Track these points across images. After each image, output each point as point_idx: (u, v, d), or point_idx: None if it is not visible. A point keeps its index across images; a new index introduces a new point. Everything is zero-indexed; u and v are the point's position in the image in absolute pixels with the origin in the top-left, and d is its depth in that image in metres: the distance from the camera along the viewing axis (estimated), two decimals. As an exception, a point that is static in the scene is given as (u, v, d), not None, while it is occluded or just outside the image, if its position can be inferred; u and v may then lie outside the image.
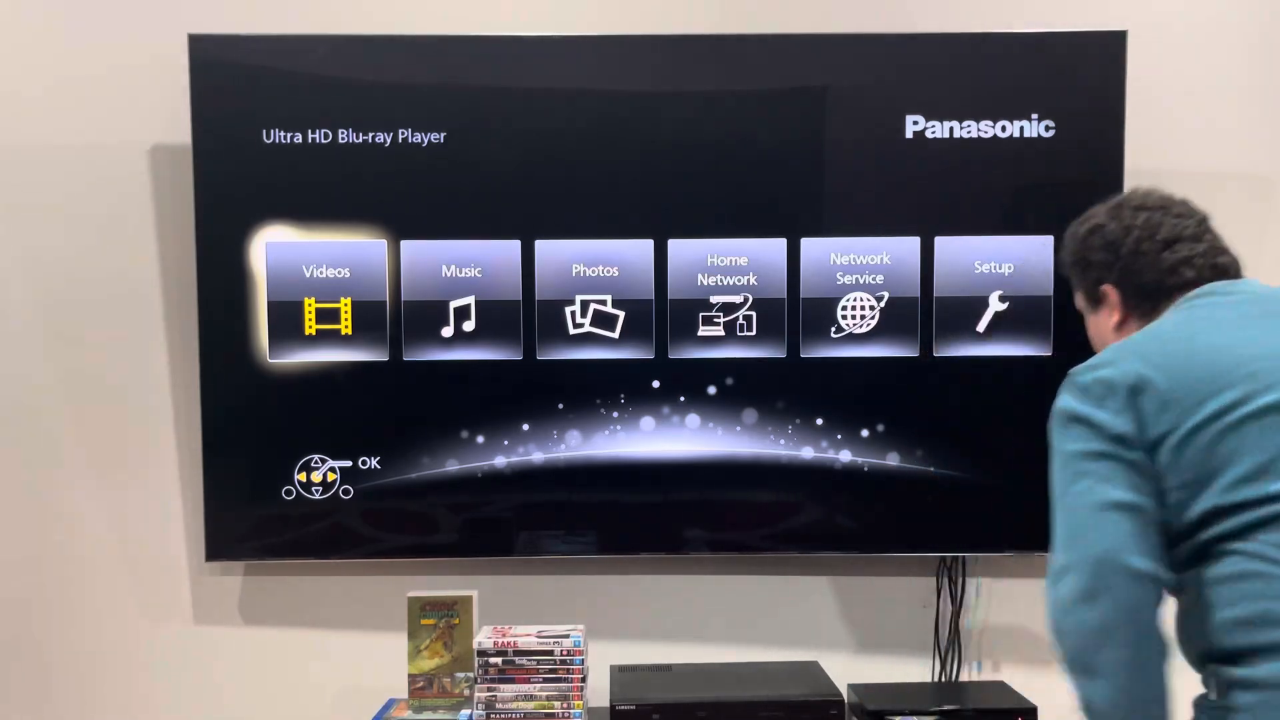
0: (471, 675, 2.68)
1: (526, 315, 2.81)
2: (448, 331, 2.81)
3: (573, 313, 2.82)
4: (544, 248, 2.81)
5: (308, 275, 2.80)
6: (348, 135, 2.78)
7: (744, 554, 2.93)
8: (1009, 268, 2.82)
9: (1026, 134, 2.81)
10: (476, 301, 2.81)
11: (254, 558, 2.89)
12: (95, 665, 2.98)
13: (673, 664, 2.91)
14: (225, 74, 2.77)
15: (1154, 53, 2.90)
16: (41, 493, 2.96)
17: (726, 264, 2.82)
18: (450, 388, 2.82)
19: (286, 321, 2.80)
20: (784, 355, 2.83)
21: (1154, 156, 2.92)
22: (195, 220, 2.79)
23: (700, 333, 2.82)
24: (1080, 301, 2.07)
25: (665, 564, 2.97)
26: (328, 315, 2.81)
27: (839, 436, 2.84)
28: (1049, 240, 2.81)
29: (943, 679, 2.98)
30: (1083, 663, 1.76)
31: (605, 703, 2.68)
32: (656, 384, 2.83)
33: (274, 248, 2.79)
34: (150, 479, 2.95)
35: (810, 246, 2.82)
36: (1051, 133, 2.80)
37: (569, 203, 2.82)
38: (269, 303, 2.80)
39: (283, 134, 2.78)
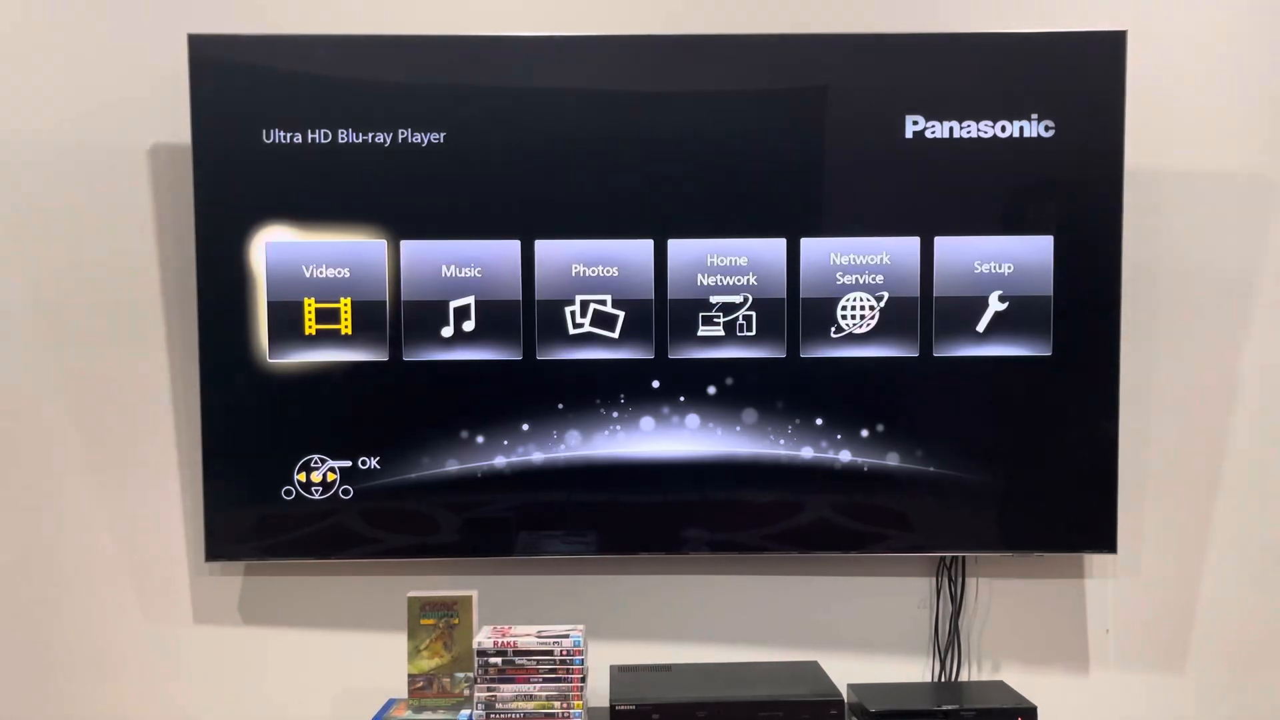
0: (471, 675, 2.68)
1: (526, 315, 2.81)
2: (448, 331, 2.81)
3: (573, 313, 2.82)
4: (544, 248, 2.81)
5: (308, 275, 2.80)
6: (348, 135, 2.79)
7: (744, 554, 2.92)
8: (1009, 268, 2.82)
9: (1026, 134, 2.81)
10: (476, 301, 2.81)
11: (254, 558, 2.89)
12: (95, 665, 2.98)
13: (673, 664, 2.91)
14: (225, 74, 2.77)
15: (1154, 53, 2.90)
16: (41, 493, 2.96)
17: (726, 264, 2.82)
18: (450, 388, 2.82)
19: (286, 321, 2.80)
20: (784, 355, 2.83)
21: (1154, 156, 2.93)
22: (195, 220, 2.79)
23: (700, 333, 2.83)
24: None
25: (665, 564, 2.97)
26: (328, 315, 2.81)
27: (839, 436, 2.84)
28: (1049, 240, 2.81)
29: (942, 679, 2.99)
30: None
31: (605, 703, 2.68)
32: (656, 384, 2.83)
33: (274, 248, 2.79)
34: (150, 479, 2.95)
35: (810, 246, 2.82)
36: (1051, 133, 2.80)
37: (569, 203, 2.82)
38: (269, 303, 2.80)
39: (283, 134, 2.78)
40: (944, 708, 2.71)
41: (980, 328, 2.83)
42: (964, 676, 2.99)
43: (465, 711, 2.68)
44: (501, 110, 2.79)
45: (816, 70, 2.82)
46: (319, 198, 2.80)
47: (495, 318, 2.81)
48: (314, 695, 2.98)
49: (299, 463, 2.82)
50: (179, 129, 2.82)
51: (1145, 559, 3.01)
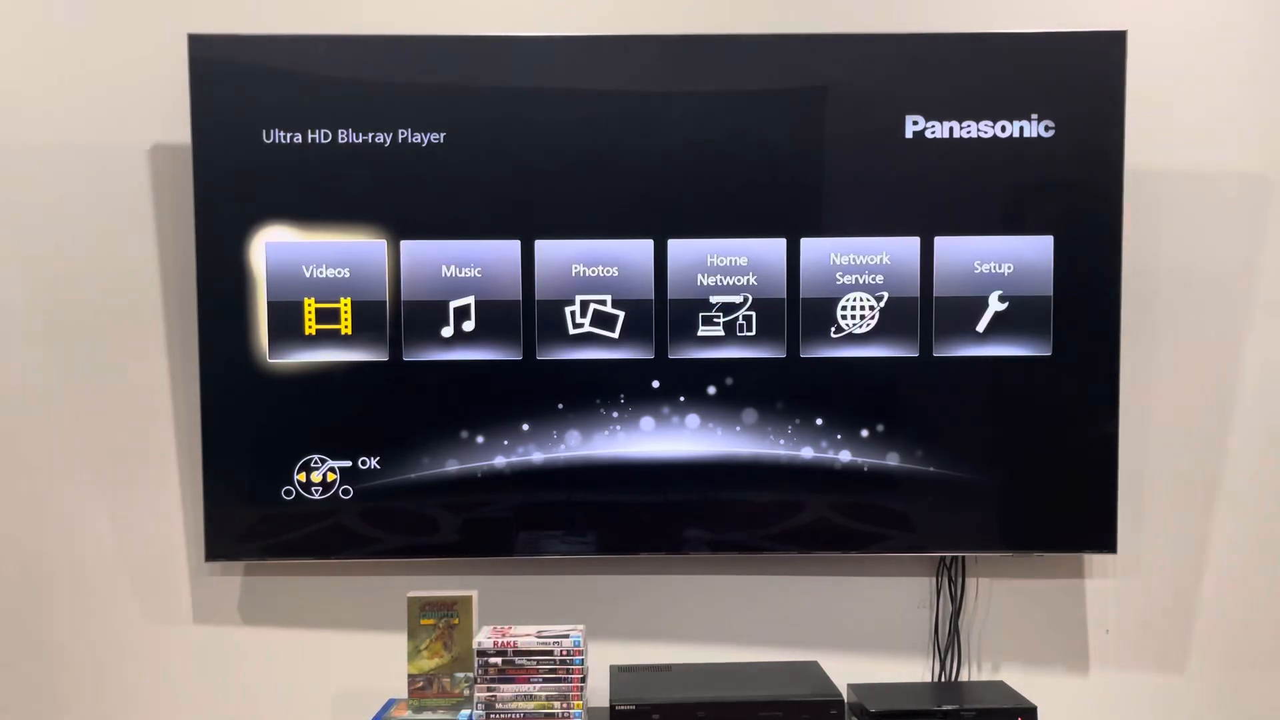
0: (471, 675, 2.68)
1: (526, 315, 2.81)
2: (448, 331, 2.81)
3: (573, 313, 2.82)
4: (544, 248, 2.81)
5: (308, 275, 2.80)
6: (348, 135, 2.79)
7: (744, 554, 2.92)
8: (1009, 268, 2.82)
9: (1026, 134, 2.81)
10: (476, 301, 2.81)
11: (254, 558, 2.88)
12: (95, 665, 2.98)
13: (673, 664, 2.91)
14: (225, 74, 2.77)
15: (1154, 53, 2.90)
16: (41, 493, 2.96)
17: (726, 264, 2.82)
18: (450, 388, 2.82)
19: (286, 321, 2.80)
20: (784, 355, 2.83)
21: (1154, 156, 2.93)
22: (195, 220, 2.79)
23: (700, 333, 2.82)
24: None
25: (665, 564, 2.97)
26: (328, 315, 2.81)
27: (839, 436, 2.84)
28: (1049, 240, 2.81)
29: (942, 679, 2.99)
30: None
31: (605, 703, 2.68)
32: (656, 384, 2.83)
33: (274, 248, 2.79)
34: (150, 479, 2.95)
35: (810, 246, 2.82)
36: (1051, 133, 2.80)
37: (569, 203, 2.82)
38: (269, 303, 2.80)
39: (283, 134, 2.78)
40: (944, 708, 2.71)
41: (980, 328, 2.83)
42: (964, 676, 2.99)
43: (465, 711, 2.68)
44: (501, 110, 2.79)
45: (816, 70, 2.82)
46: (319, 198, 2.80)
47: (495, 318, 2.81)
48: (314, 695, 2.98)
49: (299, 463, 2.82)
50: (179, 129, 2.82)
51: (1145, 559, 3.01)
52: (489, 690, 2.64)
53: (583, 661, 2.66)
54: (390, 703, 2.79)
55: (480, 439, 2.82)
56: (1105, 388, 2.84)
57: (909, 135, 2.81)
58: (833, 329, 2.83)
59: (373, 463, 2.83)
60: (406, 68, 2.80)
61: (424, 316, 2.81)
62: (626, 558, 2.94)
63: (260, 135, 2.78)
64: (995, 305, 2.82)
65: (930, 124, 2.81)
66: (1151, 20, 2.93)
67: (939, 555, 2.96)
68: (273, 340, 2.80)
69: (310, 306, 2.81)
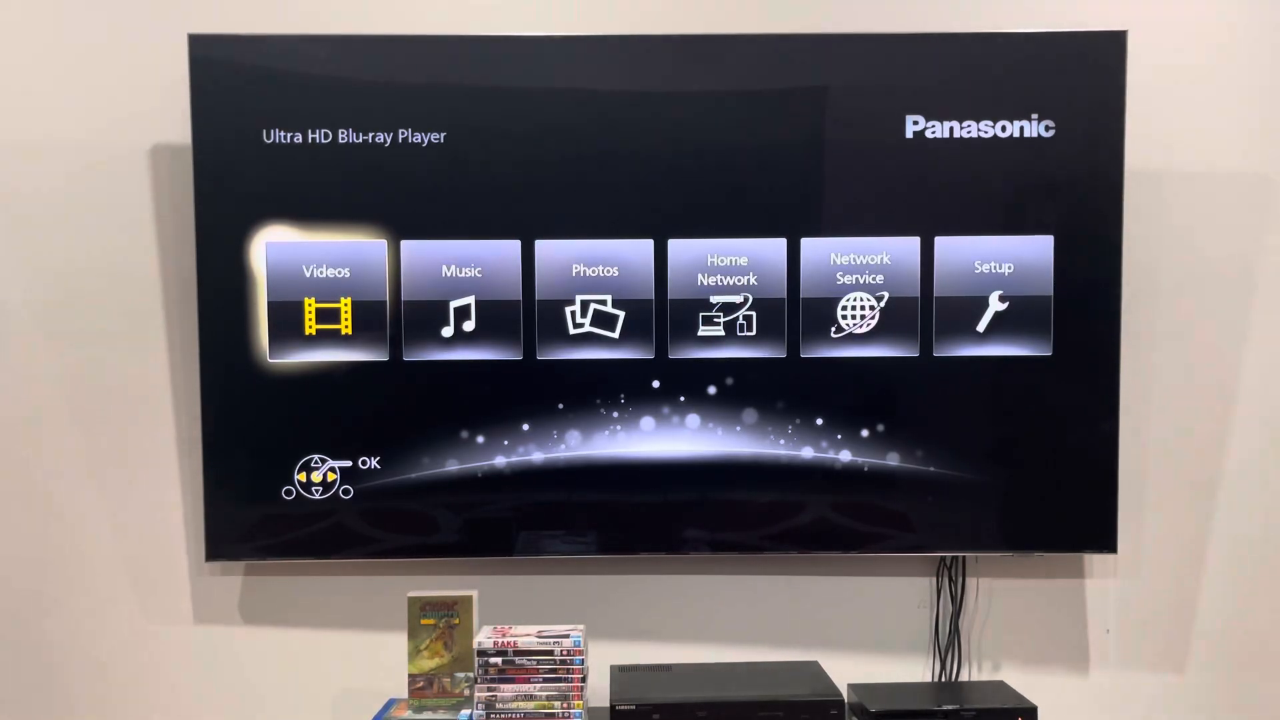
0: (471, 675, 2.68)
1: (526, 315, 2.81)
2: (448, 331, 2.82)
3: (573, 313, 2.82)
4: (544, 248, 2.81)
5: (308, 275, 2.80)
6: (348, 135, 2.79)
7: (744, 554, 2.92)
8: (1009, 268, 2.82)
9: (1026, 134, 2.81)
10: (476, 301, 2.81)
11: (254, 558, 2.88)
12: (95, 665, 2.98)
13: (673, 664, 2.91)
14: (225, 74, 2.77)
15: (1154, 53, 2.90)
16: (41, 492, 2.96)
17: (726, 264, 2.82)
18: (450, 388, 2.82)
19: (286, 321, 2.80)
20: (784, 355, 2.83)
21: (1154, 156, 2.93)
22: (195, 220, 2.79)
23: (700, 333, 2.83)
24: None
25: (665, 564, 2.97)
26: (328, 315, 2.81)
27: (839, 436, 2.84)
28: (1049, 240, 2.81)
29: (943, 679, 2.99)
30: None
31: (605, 703, 2.68)
32: (656, 384, 2.83)
33: (274, 248, 2.80)
34: (150, 479, 2.95)
35: (810, 246, 2.82)
36: (1051, 133, 2.81)
37: (569, 203, 2.82)
38: (269, 303, 2.80)
39: (283, 134, 2.78)
40: (944, 708, 2.71)
41: (980, 328, 2.83)
42: (964, 676, 2.99)
43: (465, 711, 2.68)
44: (501, 110, 2.79)
45: (816, 70, 2.82)
46: (319, 198, 2.80)
47: (495, 318, 2.81)
48: (314, 695, 2.98)
49: (299, 463, 2.82)
50: (179, 129, 2.82)
51: (1145, 559, 3.01)
52: (489, 690, 2.64)
53: (583, 661, 2.66)
54: (390, 703, 2.80)
55: (480, 439, 2.82)
56: (1105, 388, 2.84)
57: (909, 135, 2.81)
58: (833, 329, 2.83)
59: (373, 462, 2.83)
60: (406, 68, 2.80)
61: (424, 316, 2.81)
62: (626, 558, 2.94)
63: (260, 135, 2.78)
64: (995, 305, 2.82)
65: (930, 124, 2.81)
66: (1151, 20, 2.93)
67: (939, 555, 2.96)
68: (273, 340, 2.80)
69: (310, 306, 2.81)
